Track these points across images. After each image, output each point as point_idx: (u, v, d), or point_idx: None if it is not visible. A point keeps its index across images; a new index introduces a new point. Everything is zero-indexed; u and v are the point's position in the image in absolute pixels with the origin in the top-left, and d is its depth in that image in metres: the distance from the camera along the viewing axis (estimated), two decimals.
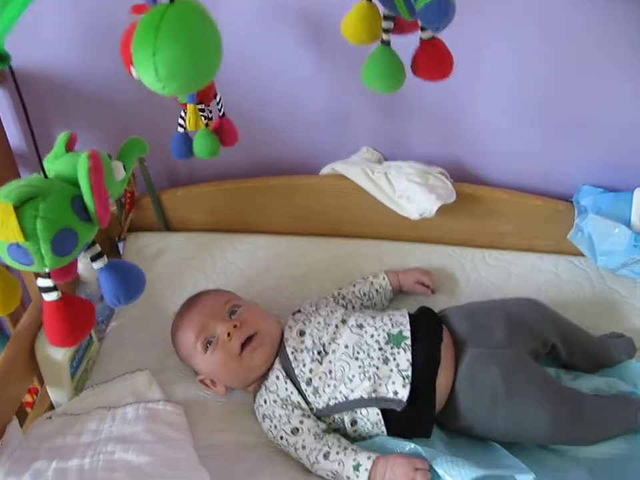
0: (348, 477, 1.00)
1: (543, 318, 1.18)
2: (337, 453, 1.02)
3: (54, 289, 0.76)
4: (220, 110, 1.14)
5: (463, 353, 1.10)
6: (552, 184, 1.37)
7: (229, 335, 1.11)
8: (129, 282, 0.83)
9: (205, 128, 1.11)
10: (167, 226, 1.47)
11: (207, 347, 1.13)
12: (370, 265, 1.38)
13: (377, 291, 1.31)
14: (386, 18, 0.80)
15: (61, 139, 0.83)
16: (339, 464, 1.01)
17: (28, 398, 1.48)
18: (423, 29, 0.81)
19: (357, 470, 0.99)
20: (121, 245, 1.49)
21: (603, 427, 1.08)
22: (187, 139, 1.15)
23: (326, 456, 1.02)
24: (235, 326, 1.12)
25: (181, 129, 1.14)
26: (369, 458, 0.99)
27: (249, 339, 1.12)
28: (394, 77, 0.85)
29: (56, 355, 1.12)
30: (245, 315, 1.16)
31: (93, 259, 0.80)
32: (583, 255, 1.34)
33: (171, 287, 1.38)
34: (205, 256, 1.42)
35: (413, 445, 1.02)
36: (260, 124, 1.36)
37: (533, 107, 1.27)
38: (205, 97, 1.10)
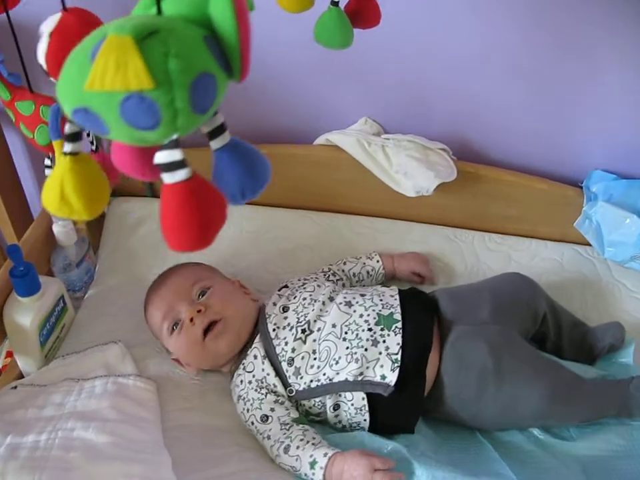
0: (305, 474, 0.94)
1: (530, 291, 1.13)
2: (297, 447, 0.96)
3: (183, 164, 0.51)
4: (92, 143, 0.89)
5: (448, 331, 1.05)
6: (561, 167, 1.30)
7: (191, 320, 1.06)
8: (256, 168, 0.60)
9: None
10: (153, 192, 1.40)
11: (173, 329, 1.08)
12: (363, 242, 1.32)
13: (368, 272, 1.25)
14: None
15: None
16: (296, 460, 0.95)
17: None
18: None
19: (313, 467, 0.93)
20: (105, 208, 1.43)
21: (596, 403, 1.03)
22: None
23: (286, 450, 0.96)
24: (198, 310, 1.06)
25: None
26: (325, 455, 0.93)
27: (214, 324, 1.06)
28: (348, 34, 0.88)
29: (24, 321, 1.06)
30: (214, 298, 1.09)
31: (213, 134, 0.56)
32: (588, 244, 1.28)
33: (153, 256, 1.32)
34: None
35: (394, 445, 0.96)
36: (252, 89, 1.28)
37: (545, 83, 1.19)
38: None
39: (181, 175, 0.50)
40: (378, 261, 1.25)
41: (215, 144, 0.56)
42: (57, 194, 0.52)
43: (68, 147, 0.51)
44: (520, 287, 1.13)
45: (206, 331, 1.06)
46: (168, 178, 0.50)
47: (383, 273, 1.25)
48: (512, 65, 1.17)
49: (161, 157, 0.50)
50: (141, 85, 0.44)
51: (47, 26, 0.69)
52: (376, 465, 0.90)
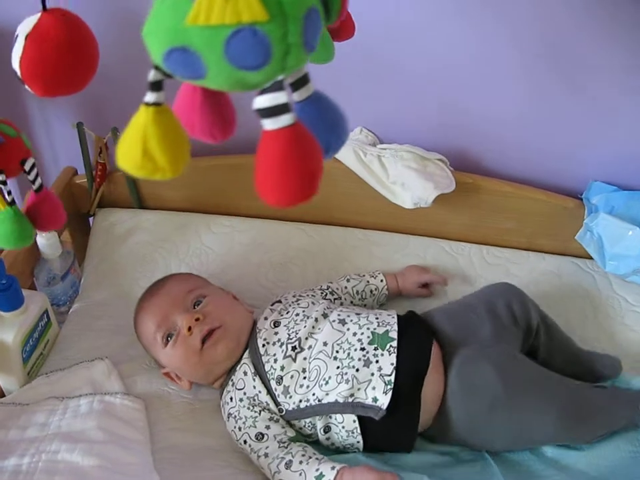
0: None
1: (522, 302, 1.09)
2: (300, 462, 0.91)
3: (288, 108, 0.47)
4: (33, 182, 0.83)
5: (452, 356, 1.00)
6: (560, 178, 1.28)
7: (189, 329, 1.01)
8: (340, 121, 0.57)
9: (8, 208, 0.81)
10: (140, 203, 1.37)
11: (168, 340, 1.04)
12: (358, 255, 1.29)
13: (371, 291, 1.21)
14: None
15: None
16: (300, 474, 0.90)
17: None
18: None
19: None
20: (91, 220, 1.39)
21: (606, 418, 1.00)
22: None
23: (288, 465, 0.92)
24: (197, 319, 1.02)
25: None
26: (332, 468, 0.89)
27: (213, 331, 1.02)
28: (330, 49, 0.83)
29: (6, 337, 1.02)
30: (210, 306, 1.05)
31: (298, 84, 0.53)
32: (588, 257, 1.25)
33: (141, 269, 1.28)
34: (178, 237, 1.32)
35: (390, 468, 0.92)
36: (244, 98, 1.24)
37: (543, 93, 1.17)
38: (5, 163, 0.80)
39: (286, 119, 0.47)
40: (382, 280, 1.22)
41: (299, 95, 0.51)
42: (139, 149, 0.47)
43: (151, 97, 0.47)
44: (512, 300, 1.09)
45: (204, 340, 1.02)
46: (271, 124, 0.46)
47: (385, 293, 1.21)
48: (508, 74, 1.15)
49: (263, 101, 0.46)
50: (255, 17, 0.40)
51: (24, 28, 0.63)
52: None
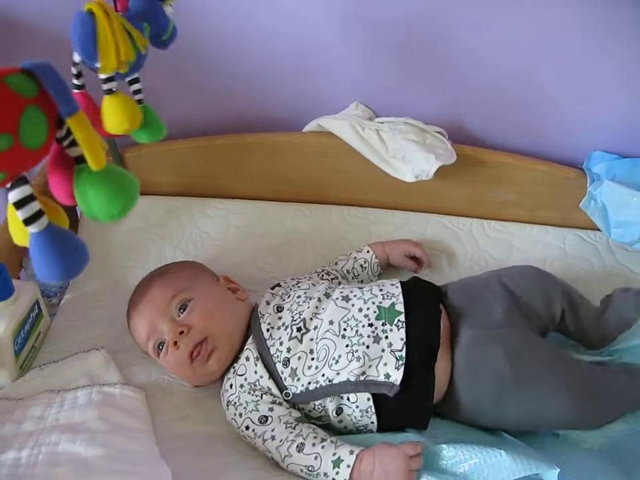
0: (325, 474, 0.86)
1: (547, 286, 1.03)
2: (313, 445, 0.88)
3: None
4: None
5: (460, 335, 0.97)
6: (558, 150, 1.25)
7: (175, 343, 0.98)
8: None
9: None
10: None
11: (160, 348, 1.01)
12: (357, 235, 1.26)
13: (361, 266, 1.19)
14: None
15: None
16: (315, 458, 0.86)
17: None
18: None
19: (337, 466, 0.85)
20: (78, 210, 1.34)
21: (615, 403, 0.97)
22: None
23: (299, 448, 0.88)
24: (181, 332, 0.98)
25: None
26: (351, 452, 0.85)
27: (200, 344, 0.99)
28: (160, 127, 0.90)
29: None
30: (195, 313, 1.01)
31: None
32: (591, 228, 1.24)
33: (133, 257, 1.24)
34: (172, 223, 1.28)
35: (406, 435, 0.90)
36: (236, 75, 1.21)
37: (539, 65, 1.14)
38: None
39: None
40: (368, 251, 1.19)
41: None
42: None
43: None
44: (536, 285, 1.03)
45: (192, 353, 0.99)
46: None
47: (377, 262, 1.19)
48: (506, 43, 1.13)
49: None
50: None
51: None
52: (409, 452, 0.84)
